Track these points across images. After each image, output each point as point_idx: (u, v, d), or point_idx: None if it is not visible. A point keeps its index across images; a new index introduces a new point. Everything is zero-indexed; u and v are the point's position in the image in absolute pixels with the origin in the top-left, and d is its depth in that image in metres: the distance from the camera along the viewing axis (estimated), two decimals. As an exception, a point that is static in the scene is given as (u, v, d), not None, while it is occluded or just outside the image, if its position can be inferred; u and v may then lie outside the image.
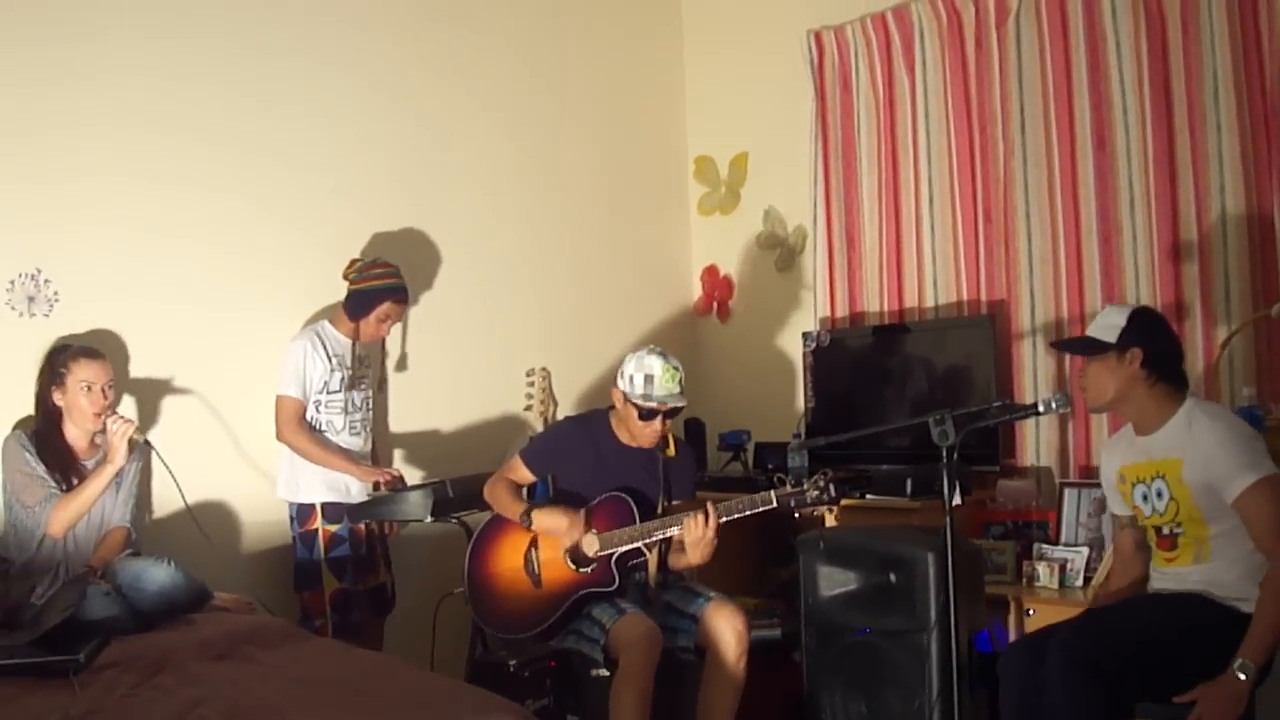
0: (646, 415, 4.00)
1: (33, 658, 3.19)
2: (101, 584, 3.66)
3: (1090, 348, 3.51)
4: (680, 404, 4.03)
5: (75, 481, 3.94)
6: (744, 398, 5.89)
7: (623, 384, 4.05)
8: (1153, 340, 3.46)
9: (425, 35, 5.27)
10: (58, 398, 3.97)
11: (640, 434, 4.05)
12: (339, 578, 4.42)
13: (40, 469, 3.88)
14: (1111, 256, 4.57)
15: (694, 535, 3.85)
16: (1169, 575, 3.48)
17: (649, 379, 3.98)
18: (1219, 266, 4.30)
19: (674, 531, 3.96)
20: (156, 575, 3.75)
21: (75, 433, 4.00)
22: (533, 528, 4.03)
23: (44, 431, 3.98)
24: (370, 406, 4.70)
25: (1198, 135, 4.34)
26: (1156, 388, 3.45)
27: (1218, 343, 4.27)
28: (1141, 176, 4.47)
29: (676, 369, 4.03)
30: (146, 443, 4.11)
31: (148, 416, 4.37)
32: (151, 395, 4.40)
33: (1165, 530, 3.46)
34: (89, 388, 3.95)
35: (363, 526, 4.52)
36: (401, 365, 5.09)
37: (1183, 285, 4.38)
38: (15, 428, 4.01)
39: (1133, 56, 4.49)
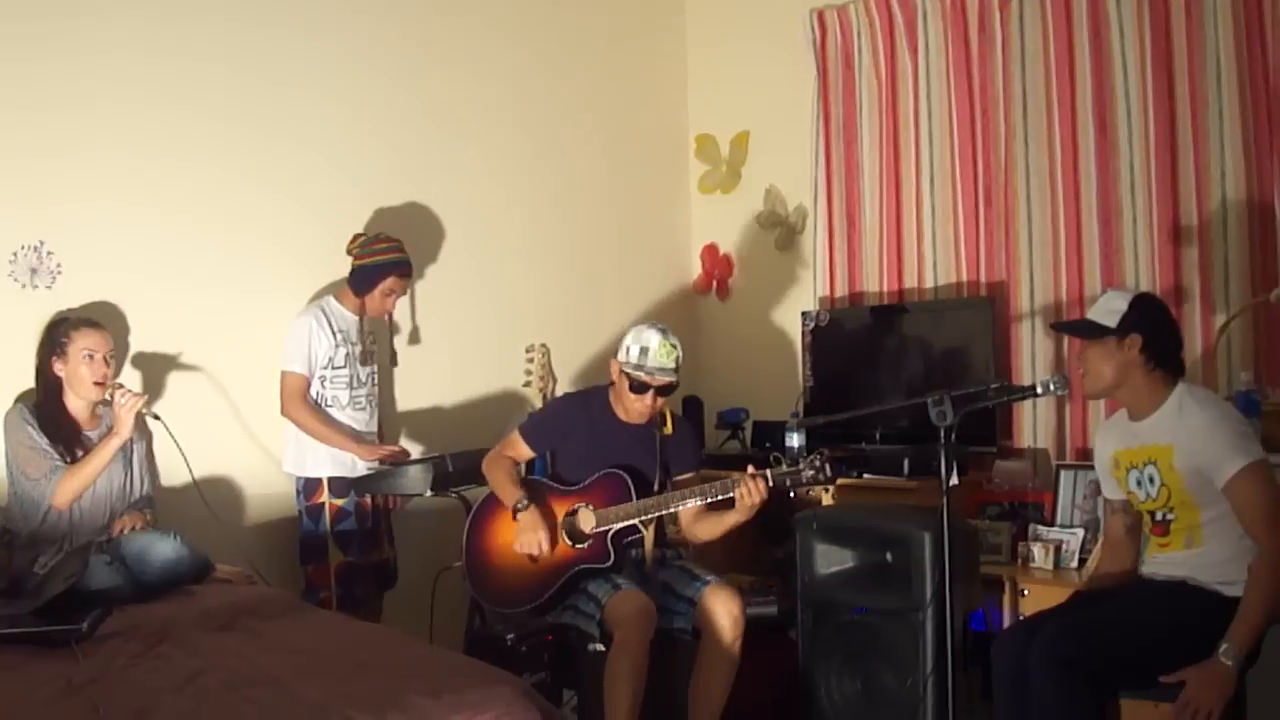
0: (637, 388, 4.01)
1: (36, 627, 3.21)
2: (104, 555, 3.68)
3: (1091, 331, 3.51)
4: (669, 380, 4.00)
5: (79, 453, 3.95)
6: (742, 376, 5.90)
7: (620, 354, 4.06)
8: (1153, 326, 3.46)
9: (428, 13, 5.26)
10: (59, 368, 3.97)
11: (631, 407, 4.05)
12: (344, 551, 4.46)
13: (43, 441, 3.89)
14: (1111, 240, 4.58)
15: (750, 502, 3.85)
16: (1160, 560, 3.50)
17: (644, 350, 3.99)
18: (1219, 251, 4.33)
19: (669, 509, 3.98)
20: (162, 549, 3.78)
21: (77, 404, 4.01)
22: (516, 520, 4.05)
23: (45, 403, 3.98)
24: (376, 382, 4.72)
25: (1199, 120, 4.36)
26: (1153, 374, 3.45)
27: (1216, 327, 4.29)
28: (1142, 160, 4.49)
29: (674, 346, 4.02)
30: (155, 417, 4.14)
31: (151, 389, 4.37)
32: (155, 369, 4.41)
33: (1159, 516, 3.47)
34: (90, 356, 3.95)
35: (368, 500, 4.55)
36: (415, 338, 5.11)
37: (1182, 269, 4.40)
38: (17, 401, 4.03)
39: (1135, 40, 4.50)
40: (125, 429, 3.93)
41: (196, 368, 4.50)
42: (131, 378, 4.32)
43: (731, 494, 3.89)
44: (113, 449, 3.93)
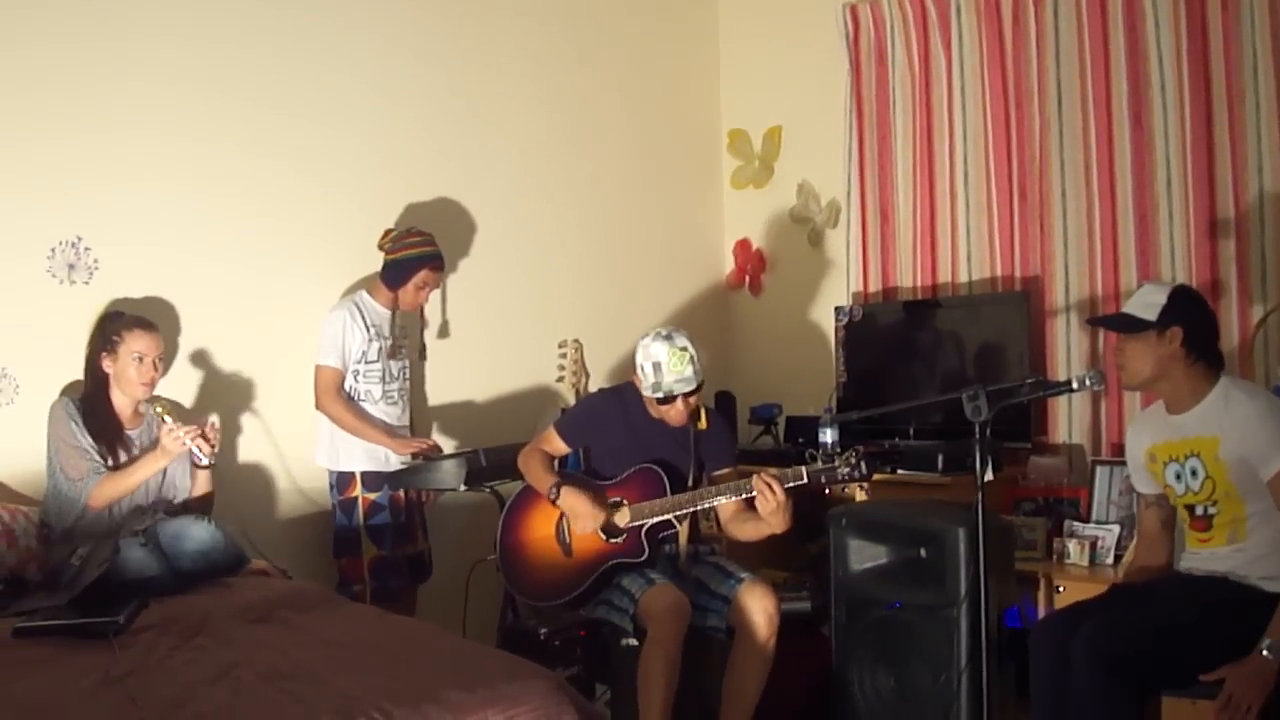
0: (664, 401, 4.01)
1: (73, 619, 3.24)
2: (138, 537, 3.70)
3: (1130, 325, 3.49)
4: (690, 387, 3.96)
5: (119, 452, 3.97)
6: (775, 371, 5.90)
7: (638, 372, 4.03)
8: (1193, 319, 3.44)
9: (465, 7, 5.29)
10: (107, 364, 3.99)
11: (666, 415, 4.04)
12: (378, 545, 4.48)
13: (85, 440, 3.90)
14: (1147, 234, 4.55)
15: (770, 505, 3.80)
16: (1201, 555, 3.48)
17: (657, 367, 3.94)
18: (1255, 245, 4.29)
19: (704, 504, 3.97)
20: (196, 533, 3.80)
21: (122, 401, 4.03)
22: (558, 503, 4.05)
23: (91, 397, 4.00)
24: (408, 376, 4.74)
25: (1236, 113, 4.32)
26: (1194, 367, 3.43)
27: (1253, 321, 4.26)
28: (1179, 154, 4.45)
29: (684, 349, 3.94)
30: (207, 464, 4.06)
31: (186, 382, 4.40)
32: (190, 360, 4.44)
33: (1199, 510, 3.45)
34: (140, 359, 3.97)
35: (402, 494, 4.57)
36: (444, 332, 5.13)
37: (1219, 263, 4.37)
38: (63, 393, 4.05)
39: (1171, 33, 4.46)
40: (169, 457, 3.93)
41: (229, 358, 4.53)
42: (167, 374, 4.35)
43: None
44: (156, 468, 3.95)
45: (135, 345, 3.97)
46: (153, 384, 4.01)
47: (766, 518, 3.85)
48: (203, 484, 4.13)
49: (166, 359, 4.18)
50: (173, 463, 4.05)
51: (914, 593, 3.77)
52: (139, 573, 3.59)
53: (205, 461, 4.00)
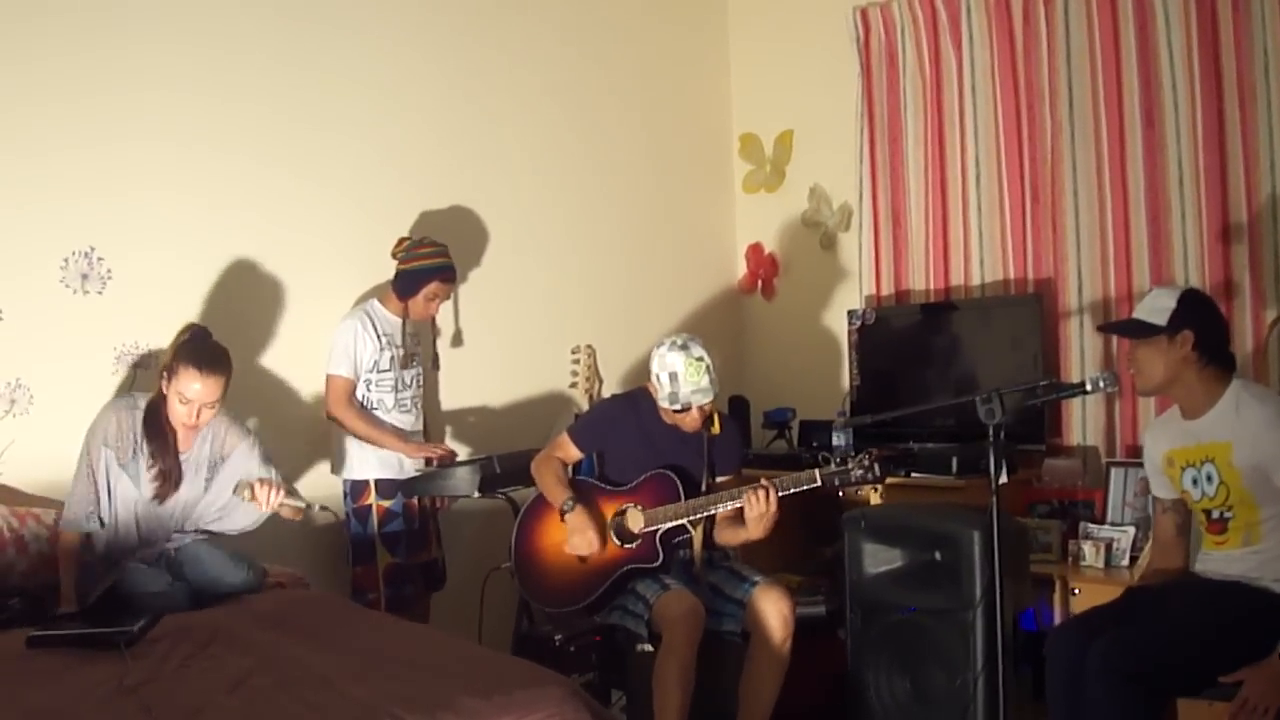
0: (680, 410, 4.01)
1: (88, 629, 3.26)
2: (156, 567, 3.70)
3: (1140, 330, 3.47)
4: (708, 398, 3.95)
5: (170, 476, 3.83)
6: (789, 375, 5.89)
7: (652, 380, 4.03)
8: (1204, 322, 3.42)
9: (477, 14, 5.30)
10: (164, 385, 3.81)
11: (680, 422, 4.04)
12: (392, 552, 4.48)
13: (131, 471, 3.83)
14: (1160, 235, 4.53)
15: (756, 511, 3.81)
16: (1217, 558, 3.46)
17: (674, 377, 3.92)
18: (1269, 246, 4.27)
19: (718, 509, 3.97)
20: (232, 581, 3.78)
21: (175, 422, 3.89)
22: (566, 519, 4.04)
23: (152, 410, 3.84)
24: (421, 384, 4.74)
25: (1248, 113, 4.31)
26: (1206, 370, 3.41)
27: (1267, 323, 4.24)
28: (1191, 154, 4.43)
29: (700, 359, 3.92)
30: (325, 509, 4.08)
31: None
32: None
33: (1215, 514, 3.43)
34: (183, 401, 3.75)
35: (415, 501, 4.57)
36: (457, 341, 5.13)
37: (1232, 265, 4.35)
38: (133, 390, 4.05)
39: (1182, 33, 4.44)
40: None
41: (243, 370, 4.50)
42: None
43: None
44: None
45: (181, 385, 3.73)
46: (195, 430, 3.86)
47: (748, 523, 3.86)
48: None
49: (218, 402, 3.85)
50: (221, 478, 3.99)
51: (929, 596, 3.77)
52: (149, 588, 3.59)
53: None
